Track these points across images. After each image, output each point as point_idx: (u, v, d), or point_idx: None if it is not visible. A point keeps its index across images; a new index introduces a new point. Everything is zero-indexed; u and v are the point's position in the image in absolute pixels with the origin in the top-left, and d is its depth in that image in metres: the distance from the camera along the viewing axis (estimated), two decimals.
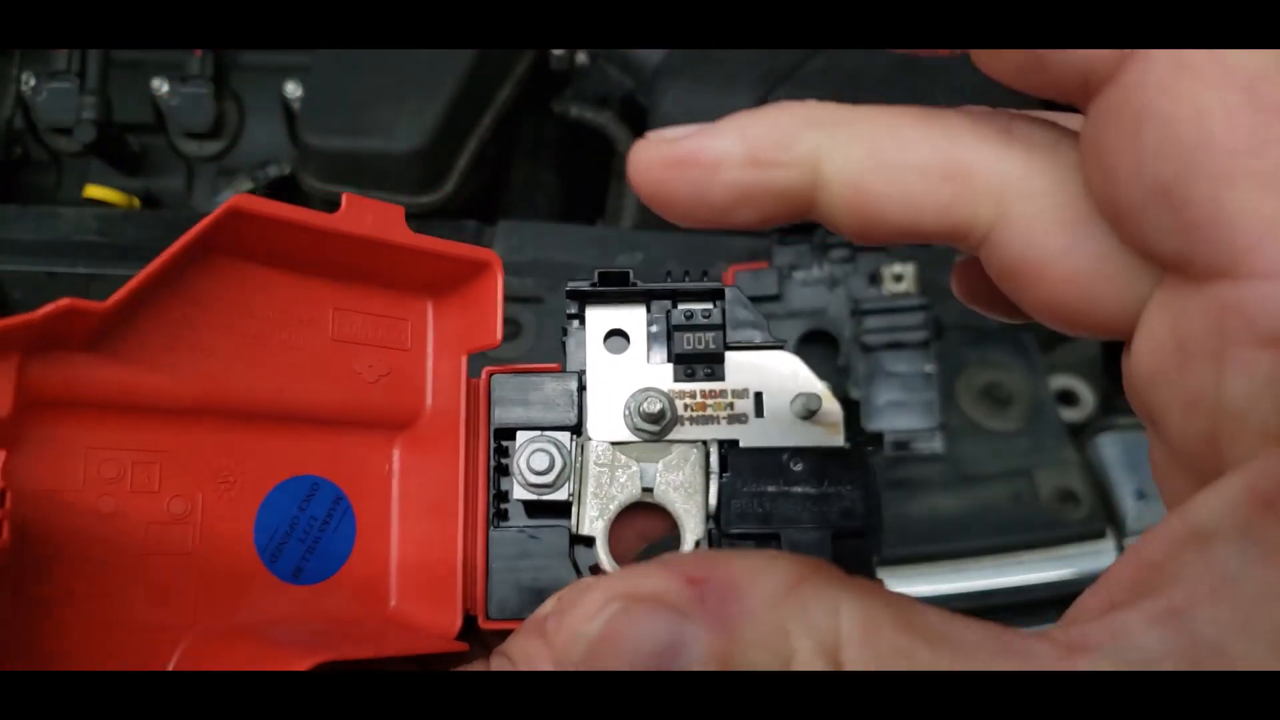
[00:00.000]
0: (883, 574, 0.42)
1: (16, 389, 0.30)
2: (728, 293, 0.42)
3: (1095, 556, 0.73)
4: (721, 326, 0.42)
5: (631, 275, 0.42)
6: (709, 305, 0.42)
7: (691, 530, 0.40)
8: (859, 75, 0.92)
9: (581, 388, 0.41)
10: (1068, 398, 0.84)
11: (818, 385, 0.41)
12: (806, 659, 0.20)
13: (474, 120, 0.95)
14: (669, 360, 0.42)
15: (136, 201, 0.97)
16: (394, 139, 0.88)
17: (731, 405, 0.41)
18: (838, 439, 0.41)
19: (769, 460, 0.40)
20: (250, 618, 0.37)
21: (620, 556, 0.42)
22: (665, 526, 0.42)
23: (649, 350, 0.42)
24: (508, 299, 0.43)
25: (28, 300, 0.79)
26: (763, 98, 0.91)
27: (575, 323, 0.42)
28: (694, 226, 0.28)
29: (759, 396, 0.42)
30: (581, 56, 1.06)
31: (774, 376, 0.42)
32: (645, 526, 0.43)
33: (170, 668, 0.35)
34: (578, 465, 0.41)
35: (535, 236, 0.85)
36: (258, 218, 0.35)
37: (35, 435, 0.32)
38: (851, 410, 0.42)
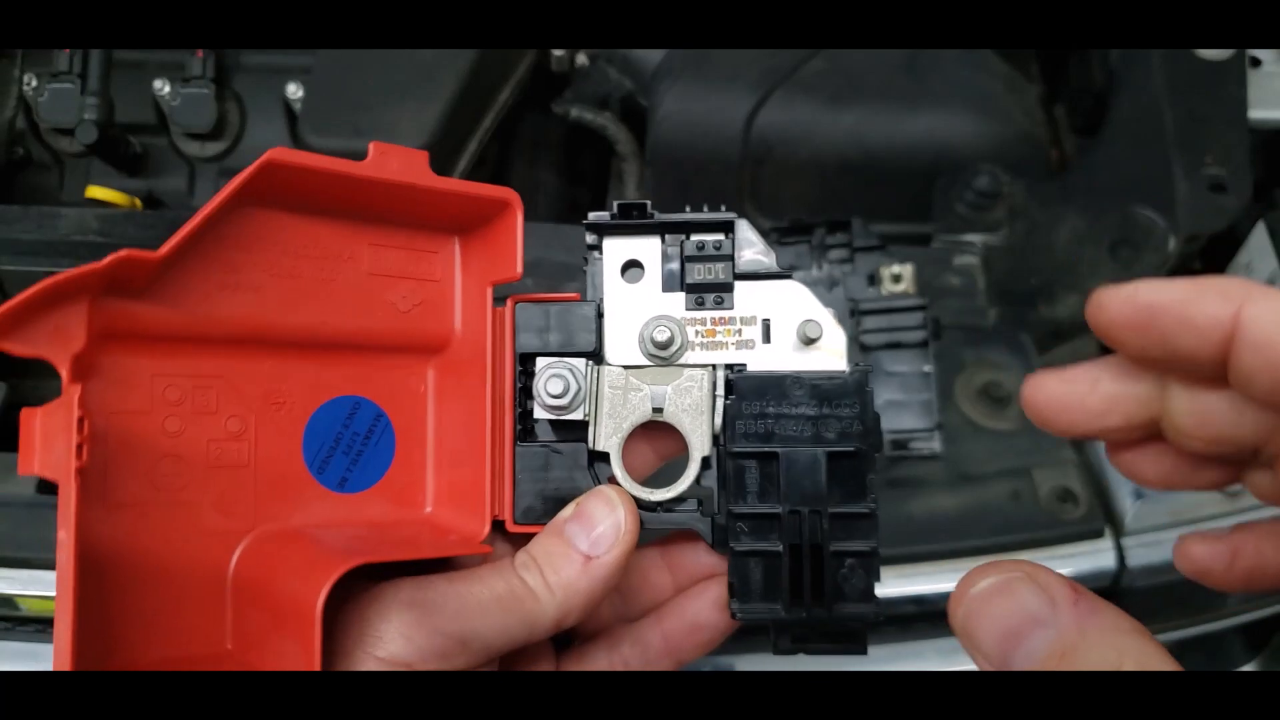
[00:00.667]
0: (882, 573, 0.42)
1: (89, 327, 0.34)
2: (738, 224, 0.43)
3: (1094, 556, 0.73)
4: (731, 257, 0.43)
5: (649, 206, 0.43)
6: (720, 236, 0.44)
7: (698, 448, 0.43)
8: (859, 75, 0.92)
9: (600, 315, 0.44)
10: None
11: (822, 313, 0.43)
12: None
13: (475, 121, 0.96)
14: (681, 289, 0.44)
15: (138, 202, 0.98)
16: (395, 139, 0.88)
17: (740, 332, 0.44)
18: (840, 363, 0.43)
19: (772, 384, 0.43)
20: (302, 522, 0.41)
21: (635, 470, 0.45)
22: (677, 444, 0.45)
23: (663, 279, 0.44)
24: None
25: None
26: (763, 98, 0.91)
27: (594, 253, 0.44)
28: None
29: (766, 323, 0.44)
30: (581, 57, 1.06)
31: (781, 304, 0.44)
32: (659, 444, 0.46)
33: (231, 566, 0.39)
34: (594, 388, 0.43)
35: (535, 236, 0.84)
36: (292, 168, 0.38)
37: (107, 365, 0.36)
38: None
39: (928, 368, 0.76)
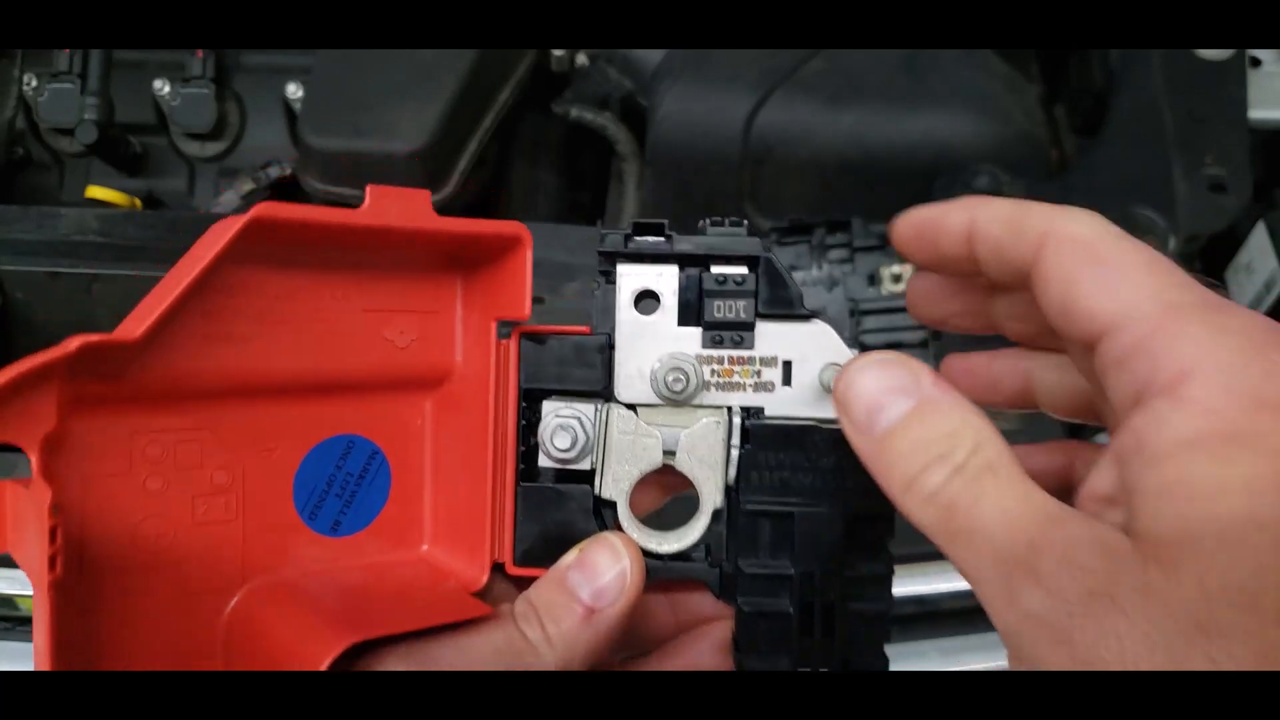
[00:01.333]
0: None
1: (59, 405, 0.31)
2: (763, 260, 0.40)
3: None
4: (754, 294, 0.40)
5: (666, 226, 0.41)
6: (743, 270, 0.40)
7: (709, 499, 0.41)
8: (859, 75, 0.92)
9: (610, 348, 0.41)
10: None
11: (848, 356, 0.40)
12: (959, 451, 0.30)
13: (475, 121, 0.96)
14: (699, 324, 0.40)
15: (138, 202, 0.98)
16: (395, 140, 0.88)
17: (759, 373, 0.41)
18: None
19: (791, 434, 0.40)
20: (294, 572, 0.39)
21: (641, 505, 0.43)
22: (686, 481, 0.42)
23: (679, 311, 0.41)
24: None
25: (30, 300, 0.79)
26: (763, 98, 0.91)
27: (604, 279, 0.41)
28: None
29: (788, 365, 0.41)
30: (581, 57, 1.06)
31: (804, 346, 0.41)
32: (667, 479, 0.43)
33: (221, 626, 0.37)
34: (602, 432, 0.41)
35: (535, 237, 0.84)
36: (281, 224, 0.35)
37: (81, 429, 0.34)
38: None
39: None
